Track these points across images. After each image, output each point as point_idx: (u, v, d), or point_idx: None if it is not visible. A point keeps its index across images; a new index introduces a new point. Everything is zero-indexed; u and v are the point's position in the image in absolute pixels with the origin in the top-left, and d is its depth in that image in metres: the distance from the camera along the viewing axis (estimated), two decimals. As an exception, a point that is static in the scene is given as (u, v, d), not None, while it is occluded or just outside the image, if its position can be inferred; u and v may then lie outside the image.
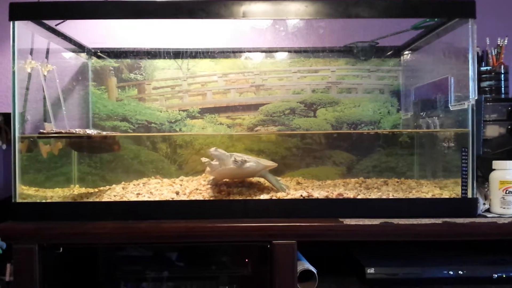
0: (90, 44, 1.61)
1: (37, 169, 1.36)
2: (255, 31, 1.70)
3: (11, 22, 1.21)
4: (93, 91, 1.65)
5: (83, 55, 1.63)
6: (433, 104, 1.45)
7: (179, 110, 1.66)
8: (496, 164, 1.25)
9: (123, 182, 1.48)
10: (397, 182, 1.50)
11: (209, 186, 1.38)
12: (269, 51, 1.68)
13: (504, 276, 1.20)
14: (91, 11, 1.24)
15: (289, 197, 1.27)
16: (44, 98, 1.40)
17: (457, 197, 1.26)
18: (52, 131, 1.36)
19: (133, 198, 1.29)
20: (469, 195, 1.23)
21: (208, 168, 1.33)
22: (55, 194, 1.41)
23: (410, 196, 1.31)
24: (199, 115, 1.66)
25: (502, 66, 1.58)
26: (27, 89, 1.32)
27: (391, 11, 1.24)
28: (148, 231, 1.15)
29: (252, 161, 1.30)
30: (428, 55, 1.56)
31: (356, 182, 1.50)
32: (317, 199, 1.26)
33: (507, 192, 1.22)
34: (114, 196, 1.31)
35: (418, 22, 1.42)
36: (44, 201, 1.31)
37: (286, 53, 1.69)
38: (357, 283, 1.25)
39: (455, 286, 1.20)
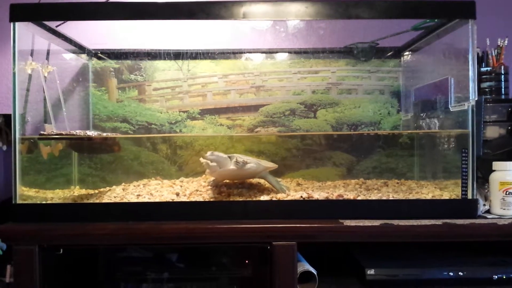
0: (90, 45, 1.62)
1: (38, 170, 1.36)
2: (255, 32, 1.70)
3: (12, 23, 1.21)
4: (93, 92, 1.65)
5: (84, 56, 1.64)
6: (433, 105, 1.45)
7: (179, 111, 1.66)
8: (496, 165, 1.25)
9: (123, 183, 1.48)
10: (397, 183, 1.50)
11: (209, 187, 1.38)
12: (269, 52, 1.68)
13: (504, 277, 1.20)
14: (92, 12, 1.24)
15: (289, 198, 1.27)
16: (45, 99, 1.41)
17: (457, 198, 1.26)
18: (52, 132, 1.36)
19: (133, 199, 1.29)
20: (469, 196, 1.23)
21: (208, 169, 1.34)
22: (56, 195, 1.41)
23: (410, 197, 1.31)
24: (199, 116, 1.66)
25: (502, 67, 1.58)
26: (28, 90, 1.32)
27: (391, 12, 1.24)
28: (148, 232, 1.15)
29: (252, 163, 1.30)
30: (428, 56, 1.56)
31: (356, 183, 1.50)
32: (317, 200, 1.26)
33: (507, 193, 1.22)
34: (114, 197, 1.31)
35: (418, 23, 1.42)
36: (44, 202, 1.31)
37: (286, 54, 1.69)
38: (357, 284, 1.25)
39: (455, 287, 1.20)
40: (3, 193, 1.51)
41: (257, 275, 1.19)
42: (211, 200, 1.28)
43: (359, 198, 1.28)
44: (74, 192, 1.47)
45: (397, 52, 1.68)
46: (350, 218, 1.19)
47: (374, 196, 1.31)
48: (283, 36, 1.66)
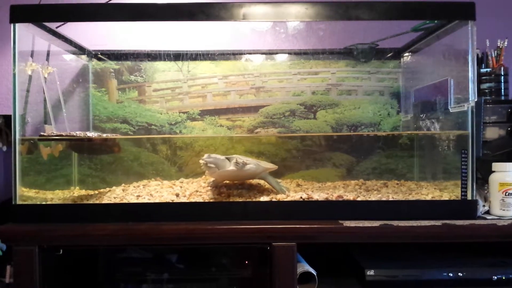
0: (90, 46, 1.62)
1: (38, 171, 1.37)
2: (255, 33, 1.70)
3: (12, 25, 1.21)
4: (93, 93, 1.65)
5: (84, 57, 1.64)
6: (433, 106, 1.45)
7: (179, 112, 1.66)
8: (495, 166, 1.25)
9: (123, 184, 1.48)
10: (397, 184, 1.50)
11: (209, 188, 1.38)
12: (269, 53, 1.68)
13: (503, 278, 1.20)
14: (92, 13, 1.24)
15: (289, 199, 1.27)
16: (45, 100, 1.41)
17: (457, 199, 1.26)
18: (52, 133, 1.36)
19: (133, 200, 1.29)
20: (469, 197, 1.23)
21: (207, 171, 1.34)
22: (55, 196, 1.41)
23: (410, 198, 1.31)
24: (199, 117, 1.67)
25: (502, 68, 1.58)
26: (28, 91, 1.32)
27: (391, 13, 1.24)
28: (148, 233, 1.16)
29: (252, 163, 1.30)
30: (428, 57, 1.56)
31: (356, 184, 1.50)
32: (317, 201, 1.26)
33: (507, 194, 1.22)
34: (114, 198, 1.31)
35: (418, 24, 1.42)
36: (44, 203, 1.31)
37: (286, 55, 1.69)
38: (356, 284, 1.25)
39: (454, 288, 1.21)
40: (3, 193, 1.52)
41: (257, 276, 1.19)
42: (211, 201, 1.28)
43: (358, 199, 1.29)
44: (74, 193, 1.47)
45: (397, 53, 1.68)
46: (350, 219, 1.19)
47: (373, 197, 1.31)
48: (283, 37, 1.66)
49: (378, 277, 1.21)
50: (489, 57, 1.61)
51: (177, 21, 1.27)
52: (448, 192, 1.33)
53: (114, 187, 1.46)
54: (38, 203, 1.29)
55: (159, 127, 1.66)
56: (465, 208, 1.23)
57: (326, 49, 1.68)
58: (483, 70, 1.60)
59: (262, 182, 1.42)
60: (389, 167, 1.63)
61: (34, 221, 1.20)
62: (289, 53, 1.69)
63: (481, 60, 1.63)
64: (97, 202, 1.30)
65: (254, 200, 1.28)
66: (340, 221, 1.18)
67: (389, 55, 1.68)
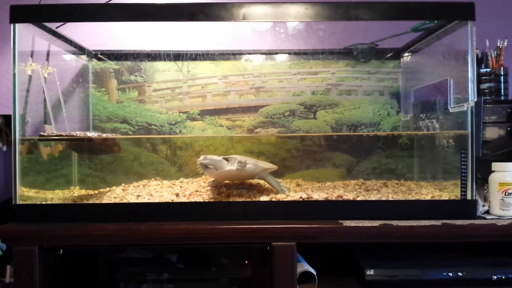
0: (90, 46, 1.62)
1: (38, 171, 1.37)
2: (255, 33, 1.71)
3: (12, 25, 1.21)
4: (93, 93, 1.66)
5: (84, 57, 1.64)
6: (433, 106, 1.45)
7: (179, 112, 1.67)
8: (495, 166, 1.25)
9: (123, 184, 1.48)
10: (397, 184, 1.50)
11: (209, 188, 1.39)
12: (269, 53, 1.68)
13: (503, 277, 1.20)
14: (92, 13, 1.24)
15: (288, 199, 1.27)
16: (45, 100, 1.41)
17: (457, 199, 1.26)
18: (52, 133, 1.36)
19: (133, 200, 1.29)
20: (469, 197, 1.23)
21: (205, 172, 1.34)
22: (55, 196, 1.41)
23: (410, 198, 1.31)
24: (199, 117, 1.67)
25: (502, 68, 1.58)
26: (28, 91, 1.32)
27: (390, 13, 1.24)
28: (148, 233, 1.16)
29: (250, 163, 1.30)
30: (427, 57, 1.57)
31: (355, 184, 1.50)
32: (317, 201, 1.26)
33: (507, 194, 1.22)
34: (114, 198, 1.31)
35: (417, 24, 1.42)
36: (44, 203, 1.31)
37: (286, 55, 1.69)
38: (356, 284, 1.25)
39: (454, 288, 1.21)
40: (3, 193, 1.52)
41: (256, 276, 1.19)
42: (211, 200, 1.28)
43: (358, 198, 1.29)
44: (74, 193, 1.47)
45: (397, 53, 1.68)
46: (350, 218, 1.19)
47: (373, 196, 1.31)
48: (283, 37, 1.67)
49: (378, 277, 1.21)
50: (489, 57, 1.61)
51: (177, 21, 1.27)
52: (448, 192, 1.33)
53: (114, 187, 1.46)
54: (38, 203, 1.29)
55: (159, 127, 1.66)
56: (464, 208, 1.23)
57: (326, 49, 1.68)
58: (482, 70, 1.60)
59: (262, 182, 1.42)
60: (389, 167, 1.63)
61: (34, 221, 1.20)
62: (289, 53, 1.69)
63: (481, 60, 1.63)
64: (97, 202, 1.30)
65: (254, 200, 1.28)
66: (340, 221, 1.18)
67: (389, 55, 1.68)
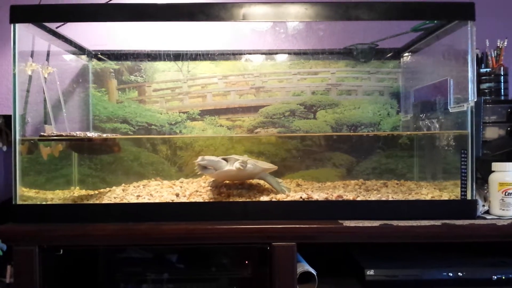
0: (90, 46, 1.62)
1: (38, 171, 1.37)
2: (255, 33, 1.71)
3: (12, 25, 1.21)
4: (93, 93, 1.66)
5: (84, 57, 1.64)
6: (433, 106, 1.45)
7: (179, 112, 1.67)
8: (495, 166, 1.25)
9: (123, 184, 1.49)
10: (397, 184, 1.50)
11: (209, 188, 1.39)
12: (269, 53, 1.68)
13: (503, 277, 1.20)
14: (92, 14, 1.25)
15: (288, 199, 1.27)
16: (45, 100, 1.41)
17: (457, 199, 1.27)
18: (52, 133, 1.36)
19: (133, 200, 1.29)
20: (469, 197, 1.23)
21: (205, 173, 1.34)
22: (56, 196, 1.41)
23: (410, 198, 1.31)
24: (199, 117, 1.67)
25: (502, 68, 1.58)
26: (28, 91, 1.32)
27: (390, 13, 1.25)
28: (148, 233, 1.16)
29: (250, 164, 1.30)
30: (427, 57, 1.57)
31: (355, 184, 1.50)
32: (317, 201, 1.26)
33: (507, 194, 1.22)
34: (114, 198, 1.31)
35: (417, 24, 1.42)
36: (44, 203, 1.31)
37: (286, 55, 1.69)
38: (356, 284, 1.25)
39: (454, 288, 1.21)
40: (3, 193, 1.52)
41: (257, 276, 1.19)
42: (211, 200, 1.28)
43: (358, 198, 1.29)
44: (74, 193, 1.47)
45: (397, 53, 1.68)
46: (350, 218, 1.19)
47: (373, 196, 1.31)
48: (283, 37, 1.66)
49: (378, 277, 1.21)
50: (489, 57, 1.61)
51: (177, 21, 1.27)
52: (448, 192, 1.33)
53: (114, 187, 1.46)
54: (38, 203, 1.30)
55: (159, 127, 1.66)
56: (464, 208, 1.23)
57: (326, 49, 1.68)
58: (482, 70, 1.60)
59: (262, 182, 1.42)
60: (389, 167, 1.63)
61: (34, 221, 1.20)
62: (289, 53, 1.69)
63: (481, 60, 1.63)
64: (97, 202, 1.30)
65: (254, 200, 1.28)
66: (340, 221, 1.18)
67: (388, 55, 1.68)
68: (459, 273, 1.21)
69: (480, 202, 1.25)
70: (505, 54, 1.62)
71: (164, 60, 1.65)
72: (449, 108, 1.32)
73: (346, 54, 1.67)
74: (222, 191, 1.34)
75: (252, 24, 1.60)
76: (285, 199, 1.27)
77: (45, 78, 1.40)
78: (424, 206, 1.24)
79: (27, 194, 1.28)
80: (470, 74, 1.23)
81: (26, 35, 1.29)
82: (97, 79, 1.66)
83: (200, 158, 1.28)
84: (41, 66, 1.38)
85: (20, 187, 1.23)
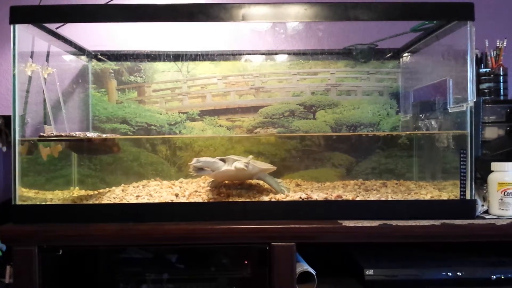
0: (90, 46, 1.62)
1: (37, 171, 1.37)
2: (254, 33, 1.71)
3: (12, 26, 1.21)
4: (93, 94, 1.66)
5: (83, 57, 1.64)
6: (432, 106, 1.45)
7: (179, 113, 1.67)
8: (494, 166, 1.26)
9: (122, 184, 1.49)
10: (396, 184, 1.51)
11: (208, 188, 1.39)
12: (269, 53, 1.69)
13: (502, 277, 1.20)
14: (92, 14, 1.25)
15: (288, 199, 1.28)
16: (44, 100, 1.41)
17: (456, 199, 1.27)
18: (52, 133, 1.36)
19: (133, 200, 1.29)
20: (468, 196, 1.23)
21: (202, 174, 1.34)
22: (55, 196, 1.41)
23: (409, 198, 1.31)
24: (198, 117, 1.67)
25: (501, 68, 1.58)
26: (28, 91, 1.32)
27: (390, 13, 1.25)
28: (148, 233, 1.16)
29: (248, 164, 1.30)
30: (427, 57, 1.57)
31: (355, 184, 1.50)
32: (316, 201, 1.26)
33: (506, 193, 1.22)
34: (114, 198, 1.32)
35: (417, 24, 1.42)
36: (44, 203, 1.31)
37: (286, 55, 1.69)
38: (356, 284, 1.25)
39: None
40: (3, 194, 1.52)
41: (256, 276, 1.19)
42: (210, 201, 1.29)
43: (358, 198, 1.29)
44: (73, 193, 1.48)
45: (396, 54, 1.68)
46: (349, 218, 1.19)
47: (373, 196, 1.31)
48: (283, 37, 1.67)
49: (377, 276, 1.21)
50: (488, 57, 1.62)
51: (176, 22, 1.28)
52: (447, 192, 1.33)
53: (113, 187, 1.46)
54: (38, 203, 1.30)
55: (158, 128, 1.66)
56: (464, 207, 1.23)
57: (325, 50, 1.68)
58: (482, 70, 1.60)
59: (261, 182, 1.42)
60: (388, 167, 1.63)
61: (33, 222, 1.20)
62: (289, 54, 1.69)
63: (480, 60, 1.63)
64: (97, 202, 1.30)
65: (253, 200, 1.28)
66: (339, 221, 1.18)
67: (388, 55, 1.68)
68: (458, 273, 1.21)
69: (479, 202, 1.25)
70: (505, 54, 1.62)
71: (164, 60, 1.65)
72: (449, 108, 1.33)
73: (346, 54, 1.68)
74: (221, 191, 1.34)
75: (252, 24, 1.60)
76: (284, 199, 1.27)
77: (44, 78, 1.41)
78: (423, 206, 1.24)
79: (26, 194, 1.28)
80: (469, 74, 1.23)
81: (26, 36, 1.29)
82: (96, 79, 1.66)
83: (194, 160, 1.28)
84: (40, 66, 1.38)
85: (19, 187, 1.23)
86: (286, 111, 1.67)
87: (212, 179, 1.41)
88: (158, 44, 1.65)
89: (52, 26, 1.36)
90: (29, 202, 1.27)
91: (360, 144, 1.67)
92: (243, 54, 1.68)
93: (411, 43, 1.58)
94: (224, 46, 1.67)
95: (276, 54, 1.69)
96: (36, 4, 1.37)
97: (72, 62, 1.62)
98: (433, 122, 1.45)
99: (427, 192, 1.34)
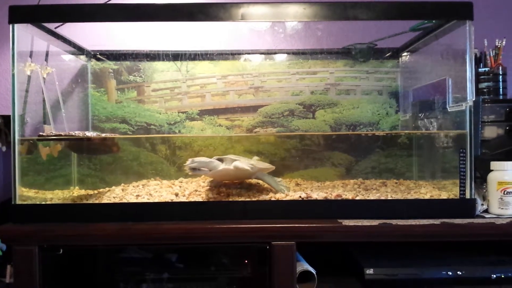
0: (89, 46, 1.62)
1: (37, 171, 1.37)
2: (254, 33, 1.71)
3: (11, 25, 1.21)
4: (92, 93, 1.66)
5: (83, 57, 1.64)
6: (431, 105, 1.45)
7: (178, 112, 1.67)
8: (494, 165, 1.26)
9: (122, 184, 1.48)
10: (396, 183, 1.51)
11: (208, 187, 1.39)
12: (268, 53, 1.68)
13: (502, 276, 1.21)
14: (91, 14, 1.25)
15: (288, 198, 1.28)
16: (44, 100, 1.41)
17: (456, 198, 1.27)
18: (51, 133, 1.36)
19: (133, 199, 1.29)
20: (467, 196, 1.24)
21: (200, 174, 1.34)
22: (55, 196, 1.41)
23: (409, 197, 1.31)
24: (198, 116, 1.67)
25: (500, 67, 1.58)
26: (27, 91, 1.32)
27: (389, 13, 1.25)
28: (148, 232, 1.16)
29: (246, 164, 1.30)
30: (426, 57, 1.57)
31: (355, 183, 1.50)
32: (316, 200, 1.26)
33: (505, 192, 1.22)
34: (114, 197, 1.32)
35: (416, 24, 1.42)
36: (43, 203, 1.31)
37: (285, 55, 1.69)
38: (356, 283, 1.25)
39: (453, 287, 1.21)
40: (2, 194, 1.52)
41: (256, 275, 1.19)
42: (210, 200, 1.29)
43: (357, 198, 1.29)
44: (73, 193, 1.47)
45: (395, 53, 1.68)
46: (349, 218, 1.19)
47: (372, 196, 1.31)
48: (282, 37, 1.67)
49: (377, 276, 1.21)
50: (487, 57, 1.62)
51: (176, 21, 1.28)
52: (447, 191, 1.33)
53: (113, 187, 1.46)
54: (38, 203, 1.29)
55: (158, 127, 1.66)
56: (463, 207, 1.23)
57: (324, 49, 1.68)
58: (481, 70, 1.60)
59: (261, 181, 1.42)
60: (388, 166, 1.63)
61: (33, 221, 1.20)
62: (288, 53, 1.69)
63: (479, 60, 1.64)
64: (97, 202, 1.30)
65: (253, 199, 1.28)
66: (339, 220, 1.18)
67: (387, 54, 1.69)
68: (458, 272, 1.21)
69: (479, 201, 1.25)
70: (504, 54, 1.62)
71: (163, 60, 1.65)
72: (448, 108, 1.33)
73: (345, 53, 1.68)
74: (221, 191, 1.34)
75: (251, 24, 1.60)
76: (284, 199, 1.27)
77: (44, 78, 1.40)
78: (423, 205, 1.24)
79: (26, 194, 1.28)
80: (468, 74, 1.23)
81: (25, 35, 1.29)
82: (96, 79, 1.66)
83: (189, 160, 1.28)
84: (40, 66, 1.38)
85: (19, 187, 1.23)
86: (285, 110, 1.67)
87: (212, 179, 1.41)
88: (157, 43, 1.65)
89: (51, 25, 1.36)
90: (29, 202, 1.27)
91: (359, 143, 1.68)
92: (243, 54, 1.68)
93: (410, 42, 1.58)
94: (223, 46, 1.67)
95: (275, 53, 1.69)
96: (35, 3, 1.37)
97: (71, 62, 1.62)
98: (432, 122, 1.46)
99: (426, 191, 1.34)
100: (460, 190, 1.25)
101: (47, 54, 1.45)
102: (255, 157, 1.37)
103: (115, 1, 1.54)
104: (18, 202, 1.23)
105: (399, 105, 1.68)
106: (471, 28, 1.22)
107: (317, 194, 1.29)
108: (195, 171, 1.29)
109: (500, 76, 1.58)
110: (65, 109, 1.52)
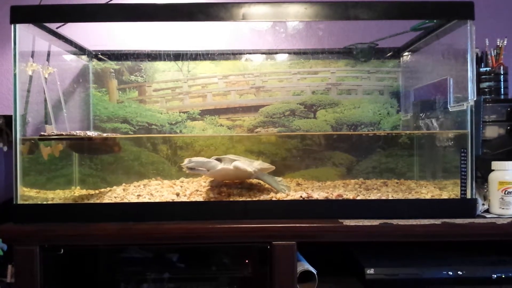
0: (91, 46, 1.62)
1: (38, 171, 1.37)
2: (255, 33, 1.71)
3: (12, 25, 1.21)
4: (94, 93, 1.66)
5: (84, 57, 1.64)
6: (433, 105, 1.45)
7: (180, 112, 1.67)
8: (495, 165, 1.26)
9: (123, 184, 1.49)
10: (397, 183, 1.51)
11: (209, 187, 1.39)
12: (269, 53, 1.69)
13: (503, 276, 1.20)
14: (92, 14, 1.25)
15: (288, 198, 1.28)
16: (45, 100, 1.41)
17: (456, 197, 1.27)
18: (53, 133, 1.36)
19: (134, 199, 1.29)
20: (468, 195, 1.24)
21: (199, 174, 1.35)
22: (56, 195, 1.41)
23: (410, 197, 1.31)
24: (199, 116, 1.67)
25: (502, 67, 1.58)
26: (28, 91, 1.32)
27: (390, 12, 1.25)
28: (149, 232, 1.16)
29: (245, 164, 1.30)
30: (427, 57, 1.57)
31: (355, 183, 1.50)
32: (317, 200, 1.26)
33: (506, 192, 1.22)
34: (115, 197, 1.32)
35: (417, 23, 1.42)
36: (45, 202, 1.31)
37: (286, 54, 1.69)
38: (356, 283, 1.25)
39: (454, 287, 1.21)
40: (4, 193, 1.52)
41: (257, 275, 1.19)
42: (211, 200, 1.29)
43: (358, 198, 1.29)
44: (74, 193, 1.48)
45: (397, 53, 1.68)
46: (350, 217, 1.19)
47: (373, 196, 1.31)
48: (283, 37, 1.67)
49: (378, 275, 1.21)
50: (489, 56, 1.62)
51: (177, 21, 1.28)
52: (448, 191, 1.33)
53: (114, 187, 1.46)
54: (39, 203, 1.30)
55: (159, 127, 1.66)
56: (464, 206, 1.23)
57: (325, 49, 1.68)
58: (482, 69, 1.60)
59: (262, 181, 1.42)
60: (388, 166, 1.63)
61: (35, 221, 1.20)
62: (289, 53, 1.69)
63: (481, 59, 1.63)
64: (98, 201, 1.30)
65: (254, 199, 1.28)
66: (340, 220, 1.18)
67: (388, 54, 1.69)
68: (459, 272, 1.21)
69: (480, 201, 1.25)
70: (505, 53, 1.62)
71: (164, 60, 1.65)
72: (449, 107, 1.33)
73: (346, 53, 1.68)
74: (222, 191, 1.34)
75: (252, 23, 1.60)
76: (285, 198, 1.27)
77: (45, 78, 1.41)
78: (424, 205, 1.24)
79: (27, 194, 1.28)
80: (469, 73, 1.23)
81: (27, 36, 1.29)
82: (97, 79, 1.67)
83: (186, 160, 1.28)
84: (41, 66, 1.39)
85: (20, 187, 1.23)
86: (286, 110, 1.67)
87: (212, 178, 1.41)
88: (159, 43, 1.65)
89: (52, 25, 1.37)
90: (30, 202, 1.27)
91: (360, 143, 1.67)
92: (244, 54, 1.68)
93: (411, 42, 1.58)
94: (225, 46, 1.67)
95: (276, 53, 1.69)
96: (36, 3, 1.37)
97: (73, 62, 1.63)
98: (433, 121, 1.46)
99: (427, 191, 1.34)
100: (461, 190, 1.25)
101: (48, 54, 1.45)
102: (259, 161, 1.37)
103: (116, 1, 1.54)
104: (20, 202, 1.23)
105: (400, 105, 1.68)
106: (472, 28, 1.22)
107: (318, 194, 1.29)
108: (193, 170, 1.29)
109: (502, 76, 1.58)
110: (67, 109, 1.52)
